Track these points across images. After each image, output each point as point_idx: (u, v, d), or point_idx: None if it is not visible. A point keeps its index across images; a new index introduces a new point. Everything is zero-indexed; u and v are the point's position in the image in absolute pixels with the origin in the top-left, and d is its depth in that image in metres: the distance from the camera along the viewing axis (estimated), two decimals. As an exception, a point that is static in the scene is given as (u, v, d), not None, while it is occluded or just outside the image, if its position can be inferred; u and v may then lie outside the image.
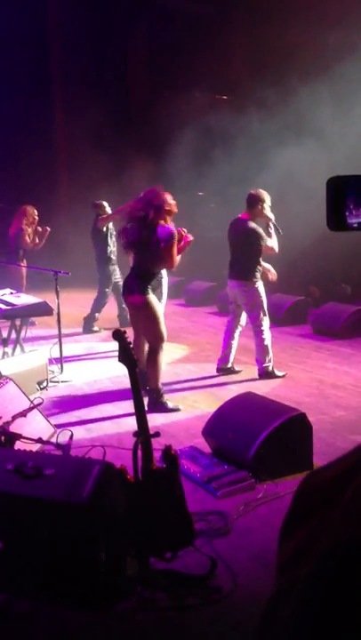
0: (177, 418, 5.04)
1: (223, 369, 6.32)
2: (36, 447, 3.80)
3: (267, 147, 10.35)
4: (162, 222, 5.08)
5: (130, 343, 2.93)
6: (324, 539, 0.54)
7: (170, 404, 5.23)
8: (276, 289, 10.35)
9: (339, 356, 7.13)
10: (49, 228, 8.76)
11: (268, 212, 6.11)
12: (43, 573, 2.69)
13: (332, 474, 0.61)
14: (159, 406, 5.19)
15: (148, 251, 5.08)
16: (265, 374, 6.16)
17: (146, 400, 4.62)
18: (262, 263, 6.17)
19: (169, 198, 5.16)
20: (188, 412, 5.16)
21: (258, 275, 6.12)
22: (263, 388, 5.60)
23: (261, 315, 6.12)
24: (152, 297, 5.13)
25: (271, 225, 6.12)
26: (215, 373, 6.32)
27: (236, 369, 6.36)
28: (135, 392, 2.88)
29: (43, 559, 2.68)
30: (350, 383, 5.96)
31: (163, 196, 5.13)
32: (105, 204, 8.66)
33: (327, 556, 0.52)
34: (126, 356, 2.89)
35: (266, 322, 6.15)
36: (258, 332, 6.15)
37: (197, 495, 3.54)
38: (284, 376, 6.21)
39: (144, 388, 5.33)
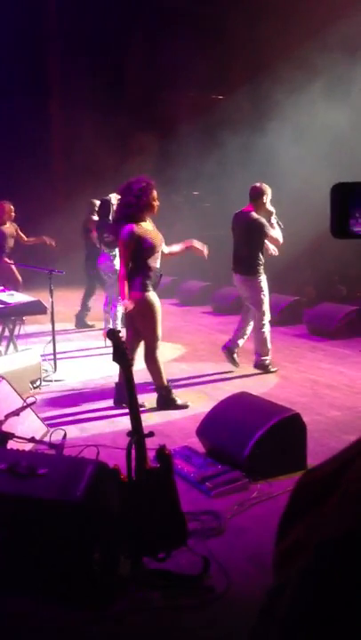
0: (171, 417, 5.03)
1: (229, 349, 6.36)
2: (29, 446, 3.78)
3: (262, 147, 10.37)
4: (140, 216, 4.94)
5: (124, 342, 2.91)
6: (316, 535, 0.55)
7: (179, 401, 5.21)
8: (272, 289, 10.39)
9: (333, 356, 7.13)
10: (51, 242, 8.78)
11: (269, 205, 6.19)
12: (36, 573, 2.67)
13: (324, 473, 0.62)
14: (169, 403, 5.17)
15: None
16: (260, 366, 6.28)
17: (141, 398, 4.58)
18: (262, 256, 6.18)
19: (140, 192, 4.91)
20: (182, 411, 5.15)
21: (260, 269, 6.15)
22: (257, 388, 5.59)
23: (263, 308, 6.15)
24: (152, 294, 4.97)
25: (273, 218, 6.18)
26: (209, 372, 6.34)
27: (236, 360, 6.36)
28: (129, 391, 2.87)
29: (36, 559, 2.66)
30: (345, 383, 5.97)
31: (131, 194, 4.94)
32: (97, 202, 8.66)
33: (319, 551, 0.53)
34: (120, 355, 2.88)
35: (267, 316, 6.22)
36: (259, 326, 6.21)
37: (191, 495, 3.53)
38: (276, 371, 6.32)
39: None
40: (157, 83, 13.94)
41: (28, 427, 4.10)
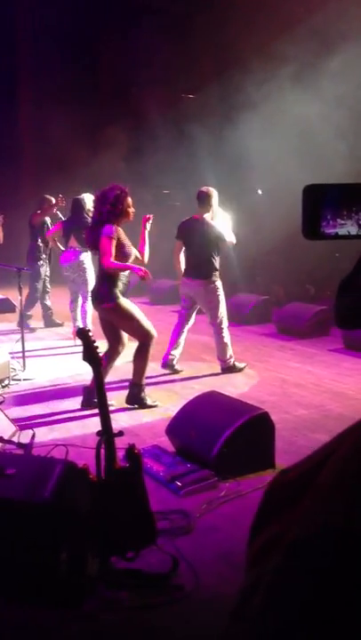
0: (141, 416, 5.03)
1: (169, 365, 6.33)
2: (-3, 446, 3.75)
3: (232, 146, 10.41)
4: (115, 222, 4.97)
5: (94, 342, 2.91)
6: (287, 534, 0.55)
7: (149, 401, 5.23)
8: (240, 288, 10.45)
9: (302, 355, 7.21)
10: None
11: (217, 207, 6.21)
12: (4, 572, 2.65)
13: (297, 473, 0.63)
14: (139, 401, 5.19)
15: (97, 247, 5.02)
16: (228, 369, 6.31)
17: (110, 396, 4.58)
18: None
19: (115, 200, 4.96)
20: (151, 410, 5.15)
21: (218, 274, 6.17)
22: (227, 387, 5.62)
23: (222, 313, 6.17)
24: (122, 299, 5.00)
25: (223, 219, 6.20)
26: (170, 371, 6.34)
27: (178, 368, 6.36)
28: (99, 390, 2.86)
29: (4, 558, 2.64)
30: (312, 382, 6.04)
31: (107, 201, 4.97)
32: (51, 198, 8.66)
33: (291, 550, 0.54)
34: (90, 354, 2.87)
35: (226, 322, 6.25)
36: (219, 331, 6.22)
37: (160, 494, 3.54)
38: (244, 367, 6.39)
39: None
40: (128, 77, 13.89)
41: (-4, 426, 4.06)
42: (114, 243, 4.92)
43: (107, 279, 5.01)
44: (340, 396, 5.55)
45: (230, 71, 10.69)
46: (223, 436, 3.78)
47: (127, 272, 5.07)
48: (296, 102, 9.45)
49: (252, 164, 10.25)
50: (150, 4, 13.01)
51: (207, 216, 6.19)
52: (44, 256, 8.69)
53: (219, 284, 6.20)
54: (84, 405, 5.20)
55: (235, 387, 5.81)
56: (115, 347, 5.17)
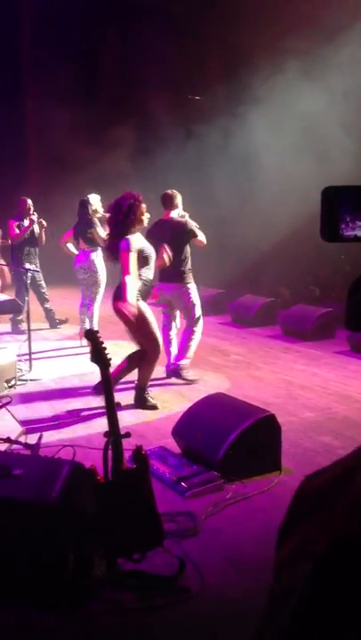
0: (146, 418, 5.04)
1: (178, 373, 6.08)
2: (3, 447, 3.76)
3: (237, 147, 10.42)
4: (131, 230, 5.09)
5: (102, 343, 2.91)
6: (321, 540, 0.55)
7: (150, 402, 5.26)
8: (245, 289, 10.45)
9: (307, 357, 7.20)
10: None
11: (181, 209, 6.17)
12: (9, 573, 2.66)
13: (325, 480, 0.63)
14: (142, 402, 5.23)
15: (118, 259, 5.14)
16: (175, 373, 6.04)
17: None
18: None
19: (128, 209, 5.07)
20: (157, 412, 5.16)
21: (191, 275, 6.09)
22: (232, 389, 5.63)
23: (198, 314, 6.07)
24: (142, 303, 5.11)
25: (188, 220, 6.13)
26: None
27: (193, 378, 6.20)
28: (107, 392, 2.87)
29: (10, 559, 2.65)
30: (318, 385, 6.03)
31: (120, 212, 5.09)
32: (29, 201, 8.68)
33: (325, 556, 0.53)
34: (99, 356, 2.88)
35: (201, 322, 6.12)
36: (190, 331, 6.07)
37: (166, 496, 3.54)
38: (195, 381, 6.04)
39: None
40: (134, 77, 13.91)
41: (3, 427, 4.07)
42: (134, 256, 5.02)
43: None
44: (346, 399, 5.54)
45: (237, 70, 10.69)
46: (229, 438, 3.78)
47: (150, 274, 5.18)
48: (303, 99, 9.44)
49: (260, 164, 10.23)
50: (156, 4, 13.02)
51: (175, 212, 6.09)
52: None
53: (192, 285, 6.07)
54: (94, 391, 5.36)
55: (240, 389, 5.81)
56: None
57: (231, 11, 11.24)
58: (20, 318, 8.39)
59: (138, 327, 5.14)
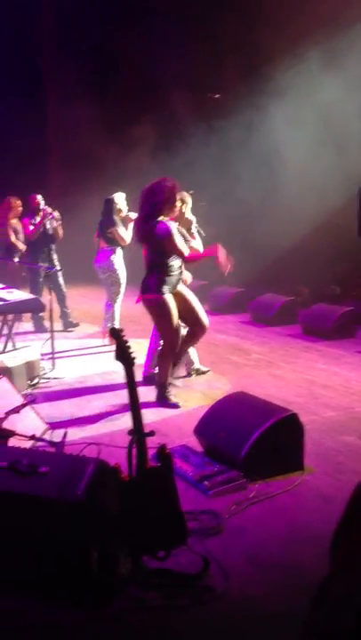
0: (169, 416, 5.05)
1: (149, 377, 5.83)
2: (29, 444, 3.79)
3: (258, 145, 10.38)
4: (161, 218, 5.05)
5: (127, 341, 2.93)
6: None
7: (172, 399, 5.27)
8: (266, 288, 10.41)
9: (328, 356, 7.17)
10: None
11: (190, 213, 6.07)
12: (34, 571, 2.69)
13: None
14: (162, 400, 5.26)
15: (150, 247, 5.15)
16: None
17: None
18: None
19: (169, 192, 5.05)
20: (179, 410, 5.18)
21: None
22: (254, 388, 5.61)
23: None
24: (168, 296, 5.09)
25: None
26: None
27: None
28: (131, 390, 2.89)
29: (35, 556, 2.68)
30: (340, 384, 6.00)
31: (161, 192, 5.05)
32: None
33: None
34: (123, 354, 2.89)
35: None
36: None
37: (189, 494, 3.55)
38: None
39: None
40: (154, 75, 13.91)
41: (28, 424, 4.11)
42: (179, 238, 5.04)
43: (156, 271, 5.11)
44: (368, 399, 5.51)
45: (256, 67, 10.65)
46: (252, 437, 3.78)
47: (181, 267, 5.18)
48: (324, 92, 9.37)
49: (281, 161, 10.18)
50: (173, 4, 13.01)
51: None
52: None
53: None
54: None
55: (262, 387, 5.80)
56: (191, 329, 5.40)
57: (249, 10, 11.21)
58: (41, 316, 8.44)
59: (160, 320, 5.18)
